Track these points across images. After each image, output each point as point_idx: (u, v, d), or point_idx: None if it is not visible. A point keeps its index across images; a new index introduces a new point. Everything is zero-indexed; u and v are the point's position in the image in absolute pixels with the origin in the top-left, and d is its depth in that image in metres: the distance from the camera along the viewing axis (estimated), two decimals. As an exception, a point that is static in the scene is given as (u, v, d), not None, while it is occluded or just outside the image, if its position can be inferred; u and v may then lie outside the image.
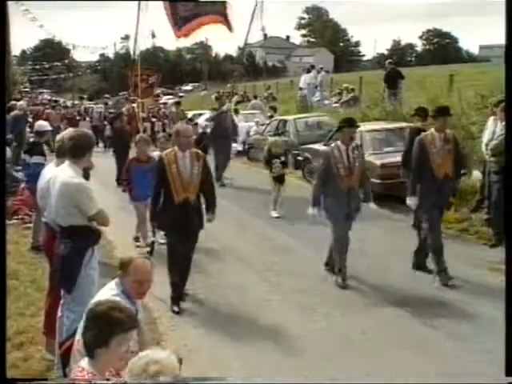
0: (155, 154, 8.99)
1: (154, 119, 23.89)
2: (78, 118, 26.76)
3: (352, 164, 7.47)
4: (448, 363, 5.42)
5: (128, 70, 17.22)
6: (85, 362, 3.03)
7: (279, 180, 11.41)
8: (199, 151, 6.96)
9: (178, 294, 6.87)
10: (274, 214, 11.23)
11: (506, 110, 5.71)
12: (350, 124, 7.66)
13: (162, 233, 7.71)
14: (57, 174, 5.05)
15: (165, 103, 29.67)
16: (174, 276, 6.86)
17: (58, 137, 5.78)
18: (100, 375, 2.98)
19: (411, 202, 7.68)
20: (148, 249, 8.21)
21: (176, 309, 6.77)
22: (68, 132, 5.50)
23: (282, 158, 11.60)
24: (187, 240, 6.79)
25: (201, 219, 6.84)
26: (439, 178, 7.45)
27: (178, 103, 26.18)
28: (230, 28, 13.70)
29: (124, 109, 15.43)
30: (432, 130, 7.64)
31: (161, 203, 6.78)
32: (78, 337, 3.70)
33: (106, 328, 3.03)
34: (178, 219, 6.57)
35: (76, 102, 35.64)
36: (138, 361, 2.71)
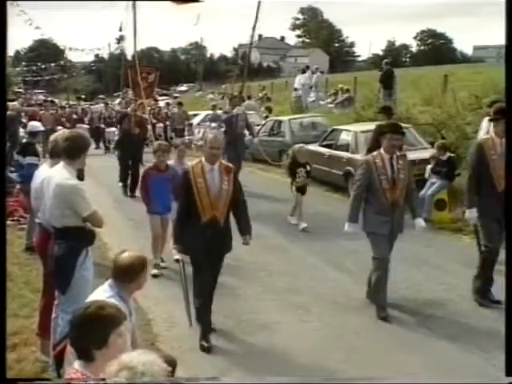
0: (171, 162, 8.57)
1: (154, 120, 23.14)
2: (75, 118, 26.33)
3: (397, 176, 6.51)
4: (443, 363, 5.43)
5: (126, 68, 16.89)
6: (78, 364, 3.02)
7: (302, 190, 10.69)
8: (229, 164, 6.14)
9: (205, 324, 6.01)
10: (293, 220, 10.67)
11: (506, 109, 5.67)
12: (394, 129, 6.61)
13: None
14: (51, 174, 5.04)
15: (167, 103, 29.12)
16: (200, 302, 5.99)
17: (52, 137, 5.76)
18: (95, 376, 2.97)
19: (470, 214, 6.75)
20: (157, 272, 7.96)
21: (205, 344, 5.87)
22: (62, 133, 5.49)
23: (308, 167, 10.77)
24: (213, 264, 6.01)
25: (229, 241, 6.04)
26: (499, 188, 6.42)
27: (180, 104, 25.68)
28: None
29: (129, 109, 14.52)
30: (492, 134, 6.80)
31: (181, 223, 6.01)
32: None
33: (102, 328, 3.02)
34: (205, 241, 5.81)
35: (72, 102, 35.39)
36: (112, 365, 2.65)
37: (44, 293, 5.68)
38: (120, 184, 14.04)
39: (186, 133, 23.52)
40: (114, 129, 22.61)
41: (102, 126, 24.89)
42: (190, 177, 5.86)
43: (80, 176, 5.61)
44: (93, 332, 3.01)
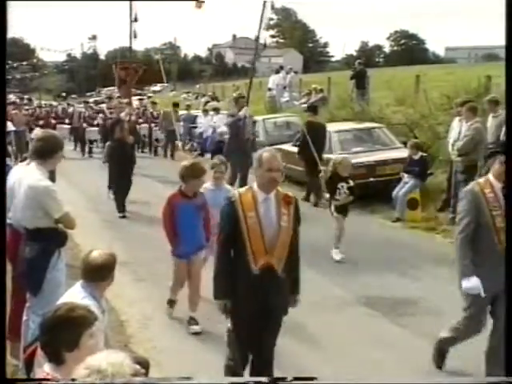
0: (206, 185, 6.83)
1: (140, 120, 21.04)
2: (53, 120, 23.59)
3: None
4: (416, 361, 5.47)
5: (112, 64, 15.60)
6: (48, 367, 2.97)
7: (344, 210, 8.76)
8: (289, 193, 4.56)
9: None
10: (337, 255, 8.55)
11: (506, 109, 5.66)
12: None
13: None
14: (23, 175, 4.97)
15: (154, 102, 25.66)
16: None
17: (32, 136, 5.68)
18: (66, 377, 2.92)
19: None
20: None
21: None
22: (36, 133, 5.43)
23: (350, 182, 8.76)
24: (266, 329, 4.54)
25: (287, 299, 4.66)
26: (500, 246, 4.69)
27: (176, 104, 22.36)
28: None
29: (123, 114, 12.37)
30: (490, 176, 4.95)
31: (226, 271, 4.49)
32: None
33: (73, 330, 2.98)
34: (255, 298, 4.40)
35: (44, 102, 34.45)
36: (81, 368, 2.61)
37: (13, 295, 5.59)
38: (118, 213, 11.51)
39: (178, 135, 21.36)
40: (94, 128, 21.83)
41: (85, 125, 22.80)
42: (237, 209, 4.36)
43: (51, 177, 5.55)
44: (63, 334, 2.97)
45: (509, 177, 4.68)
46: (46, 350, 3.03)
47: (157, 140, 22.33)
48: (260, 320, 4.43)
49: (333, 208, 8.69)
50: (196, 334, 6.17)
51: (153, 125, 22.20)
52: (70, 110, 25.31)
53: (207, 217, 6.32)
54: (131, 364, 2.59)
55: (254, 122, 12.99)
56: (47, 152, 4.95)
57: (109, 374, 2.48)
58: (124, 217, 11.39)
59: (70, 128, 23.48)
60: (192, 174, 6.13)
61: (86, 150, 22.55)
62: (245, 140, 11.70)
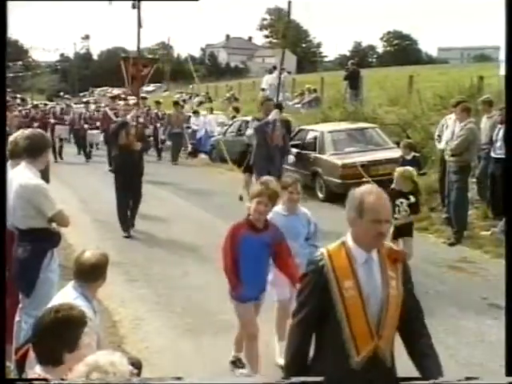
0: (277, 209, 5.37)
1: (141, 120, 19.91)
2: (52, 120, 22.05)
3: None
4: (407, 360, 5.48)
5: (120, 60, 14.69)
6: (39, 369, 2.95)
7: (405, 232, 7.32)
8: (395, 247, 3.39)
9: None
10: None
11: (506, 109, 5.68)
12: None
13: None
14: (13, 176, 4.95)
15: (158, 102, 23.77)
16: None
17: (11, 138, 5.63)
18: (57, 378, 2.91)
19: None
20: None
21: None
22: (21, 132, 5.39)
23: (411, 198, 7.33)
24: None
25: None
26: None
27: (177, 103, 21.63)
28: None
29: (129, 116, 10.43)
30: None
31: (311, 360, 3.15)
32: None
33: (74, 330, 2.99)
34: None
35: (35, 102, 33.98)
36: (81, 366, 2.61)
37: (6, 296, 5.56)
38: (119, 222, 10.20)
39: (186, 138, 20.67)
40: (96, 131, 20.71)
41: (86, 126, 21.65)
42: (328, 276, 3.02)
43: (45, 177, 5.54)
44: (66, 335, 2.96)
45: (508, 178, 4.73)
46: (44, 352, 2.98)
47: (163, 142, 21.21)
48: None
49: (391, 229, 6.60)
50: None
51: (158, 124, 21.06)
52: (68, 110, 23.79)
53: (285, 254, 4.92)
54: (127, 364, 2.60)
55: (289, 127, 11.54)
56: (36, 151, 4.94)
57: (110, 372, 2.49)
58: (129, 237, 9.93)
59: (70, 129, 22.67)
60: (261, 195, 4.76)
61: (89, 152, 21.69)
62: (273, 147, 10.36)
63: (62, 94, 40.06)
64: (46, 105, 29.34)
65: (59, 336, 2.95)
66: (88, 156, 21.44)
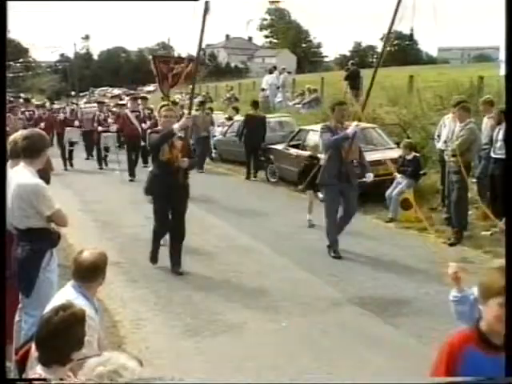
0: None
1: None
2: (61, 115, 20.11)
3: None
4: (408, 361, 5.48)
5: (151, 57, 13.60)
6: (41, 369, 2.95)
7: None
8: None
9: None
10: None
11: (506, 109, 5.67)
12: None
13: None
14: (12, 175, 4.95)
15: (174, 102, 19.91)
16: None
17: (10, 138, 5.62)
18: (61, 377, 2.92)
19: None
20: None
21: None
22: (21, 132, 5.38)
23: None
24: None
25: None
26: None
27: (203, 103, 19.19)
28: None
29: (177, 125, 7.71)
30: None
31: None
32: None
33: (82, 328, 3.00)
34: None
35: (38, 102, 32.98)
36: (101, 366, 2.58)
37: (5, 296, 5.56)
38: (151, 260, 8.37)
39: (211, 143, 18.70)
40: (111, 133, 18.24)
41: (100, 128, 18.29)
42: None
43: (46, 178, 5.53)
44: (75, 333, 2.98)
45: (508, 178, 4.61)
46: (51, 351, 2.98)
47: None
48: None
49: None
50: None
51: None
52: (80, 111, 21.02)
53: None
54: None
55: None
56: (34, 151, 4.93)
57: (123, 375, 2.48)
58: (181, 273, 8.00)
59: (82, 132, 19.75)
60: None
61: (105, 157, 18.75)
62: (348, 163, 8.51)
63: (72, 93, 38.49)
64: (52, 104, 27.70)
65: (69, 335, 2.97)
66: (102, 162, 18.57)
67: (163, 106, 8.38)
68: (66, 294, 3.94)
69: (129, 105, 17.96)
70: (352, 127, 8.38)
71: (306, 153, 13.08)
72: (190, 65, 12.77)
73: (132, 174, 15.67)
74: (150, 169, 8.56)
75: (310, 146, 10.67)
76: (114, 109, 20.75)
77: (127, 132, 16.21)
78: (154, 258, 8.33)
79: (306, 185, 10.52)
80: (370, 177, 8.87)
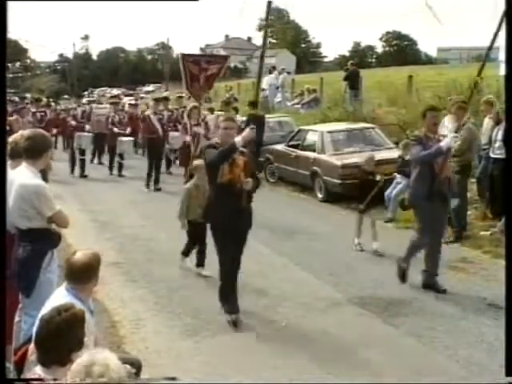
0: None
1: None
2: (72, 122, 17.39)
3: None
4: (407, 361, 5.48)
5: (180, 55, 12.24)
6: (40, 369, 2.95)
7: None
8: None
9: None
10: None
11: (506, 109, 5.65)
12: None
13: None
14: (13, 177, 4.95)
15: (134, 104, 20.87)
16: None
17: (11, 138, 5.61)
18: (61, 378, 2.92)
19: None
20: None
21: None
22: (21, 133, 5.38)
23: None
24: None
25: None
26: None
27: (228, 103, 16.45)
28: None
29: (239, 138, 6.17)
30: None
31: None
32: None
33: (81, 328, 3.00)
34: None
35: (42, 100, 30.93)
36: (80, 363, 2.58)
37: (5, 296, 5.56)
38: (223, 302, 6.64)
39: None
40: (129, 138, 16.80)
41: (116, 130, 16.78)
42: None
43: (44, 177, 5.52)
44: (76, 334, 2.98)
45: (508, 175, 4.73)
46: (52, 352, 2.98)
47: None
48: None
49: None
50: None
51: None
52: (92, 112, 18.62)
53: None
54: (120, 365, 2.60)
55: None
56: (37, 151, 4.93)
57: (95, 374, 2.49)
58: (236, 324, 6.37)
59: (94, 134, 17.45)
60: None
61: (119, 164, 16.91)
62: (443, 180, 7.17)
63: (85, 93, 36.63)
64: (56, 103, 26.29)
65: (71, 335, 2.98)
66: (119, 170, 16.74)
67: (220, 116, 6.96)
68: (59, 297, 3.86)
69: (150, 106, 16.57)
70: (447, 139, 7.06)
71: (306, 153, 13.14)
72: (225, 64, 12.30)
73: (148, 183, 14.28)
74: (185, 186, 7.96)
75: (365, 159, 9.66)
76: (127, 109, 19.60)
77: (147, 136, 14.96)
78: (232, 308, 6.47)
79: (367, 204, 9.14)
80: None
